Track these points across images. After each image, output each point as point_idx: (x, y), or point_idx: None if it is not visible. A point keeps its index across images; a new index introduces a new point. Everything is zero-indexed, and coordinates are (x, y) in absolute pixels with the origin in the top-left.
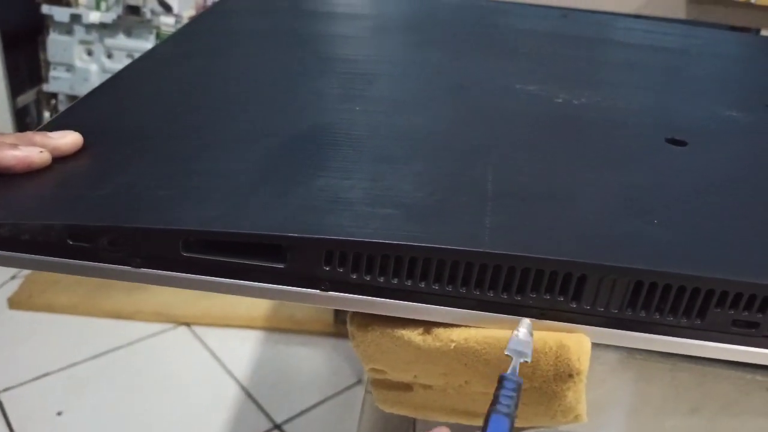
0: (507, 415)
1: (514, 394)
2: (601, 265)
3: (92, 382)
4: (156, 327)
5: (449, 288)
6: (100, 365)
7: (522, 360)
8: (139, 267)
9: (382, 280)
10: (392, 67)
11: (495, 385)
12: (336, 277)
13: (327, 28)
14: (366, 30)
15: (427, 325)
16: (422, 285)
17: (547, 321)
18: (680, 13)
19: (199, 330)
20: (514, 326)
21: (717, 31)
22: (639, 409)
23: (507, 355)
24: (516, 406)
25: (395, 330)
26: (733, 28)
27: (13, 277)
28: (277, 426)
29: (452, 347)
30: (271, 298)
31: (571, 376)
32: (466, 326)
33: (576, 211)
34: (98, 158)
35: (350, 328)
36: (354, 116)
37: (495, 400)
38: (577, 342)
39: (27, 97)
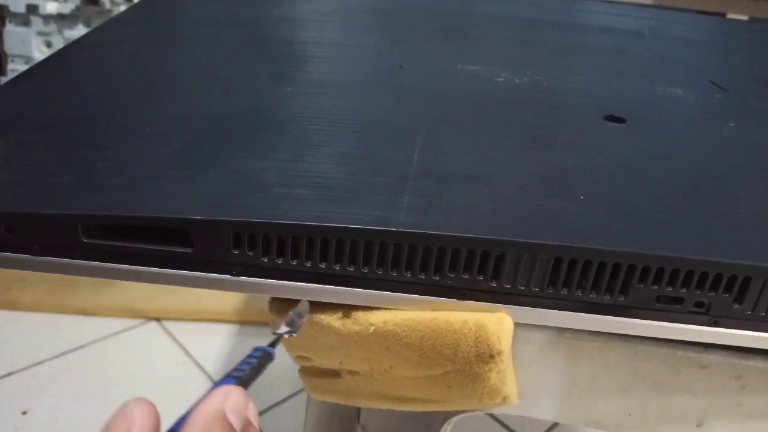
0: (236, 377)
1: (254, 361)
2: (518, 242)
3: (58, 380)
4: (125, 323)
5: (365, 270)
6: (67, 363)
7: (288, 335)
8: (39, 255)
9: (295, 263)
10: (332, 49)
11: (419, 368)
12: (246, 261)
13: (268, 13)
14: (311, 14)
15: (346, 309)
16: (337, 267)
17: (468, 301)
18: None
19: (169, 325)
20: (434, 307)
21: (675, 14)
22: (570, 389)
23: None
24: (253, 373)
25: (314, 315)
26: (703, 14)
27: None
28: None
29: (372, 331)
30: (180, 284)
31: (492, 356)
32: (385, 309)
33: (498, 191)
34: (5, 144)
35: (270, 314)
36: (284, 98)
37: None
38: (497, 322)
39: None
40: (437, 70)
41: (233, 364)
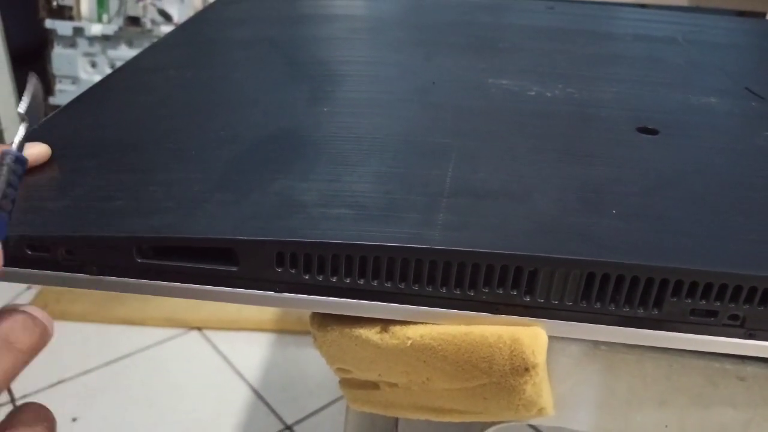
0: None
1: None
2: (550, 257)
3: (106, 388)
4: (168, 332)
5: (402, 285)
6: (114, 371)
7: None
8: (97, 275)
9: (335, 279)
10: (366, 67)
11: (456, 381)
12: (289, 278)
13: (305, 33)
14: (345, 32)
15: (384, 324)
16: (375, 283)
17: (502, 315)
18: (683, 0)
19: (211, 334)
20: (470, 322)
21: (710, 17)
22: (607, 402)
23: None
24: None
25: (353, 329)
26: (741, 14)
27: (28, 288)
28: (288, 427)
29: (409, 344)
30: (226, 300)
31: (527, 369)
32: (422, 323)
33: (531, 206)
34: (62, 169)
35: (311, 328)
36: (320, 118)
37: None
38: (531, 335)
39: None
40: (469, 85)
41: (272, 372)
